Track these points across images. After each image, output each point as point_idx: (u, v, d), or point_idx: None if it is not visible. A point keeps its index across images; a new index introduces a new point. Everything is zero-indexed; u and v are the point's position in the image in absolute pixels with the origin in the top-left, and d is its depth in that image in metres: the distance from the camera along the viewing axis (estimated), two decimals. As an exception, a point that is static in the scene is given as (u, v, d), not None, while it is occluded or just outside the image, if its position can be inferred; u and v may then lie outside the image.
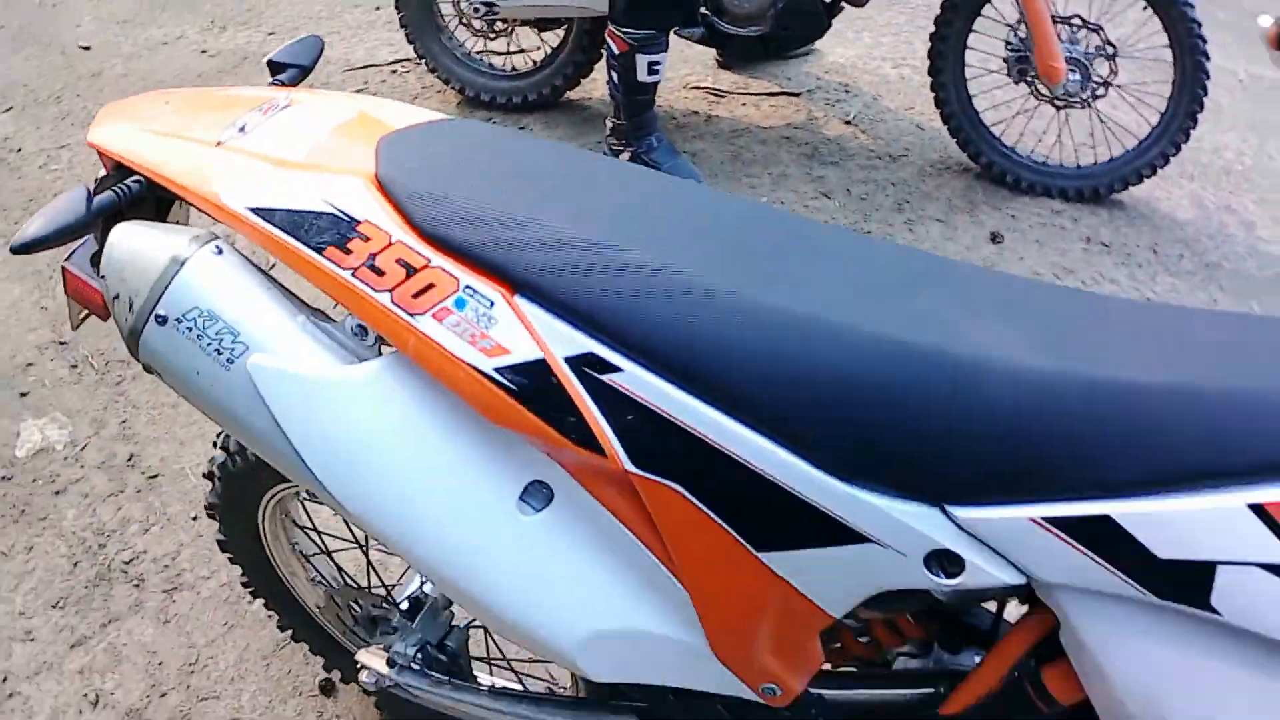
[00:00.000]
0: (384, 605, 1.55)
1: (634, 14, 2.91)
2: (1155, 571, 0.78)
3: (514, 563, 0.98)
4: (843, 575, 0.89)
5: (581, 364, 0.89)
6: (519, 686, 1.60)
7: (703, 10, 3.13)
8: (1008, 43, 3.01)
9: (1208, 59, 2.80)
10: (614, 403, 0.89)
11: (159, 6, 4.51)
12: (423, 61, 3.62)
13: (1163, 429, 0.77)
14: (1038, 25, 2.84)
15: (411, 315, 0.94)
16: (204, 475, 1.50)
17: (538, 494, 0.98)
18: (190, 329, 1.02)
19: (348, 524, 1.58)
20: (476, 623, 1.52)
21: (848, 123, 3.52)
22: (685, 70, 3.81)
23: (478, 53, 3.61)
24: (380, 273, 0.96)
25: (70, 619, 2.00)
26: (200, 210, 1.08)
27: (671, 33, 3.06)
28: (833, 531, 0.85)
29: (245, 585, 1.65)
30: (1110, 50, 2.91)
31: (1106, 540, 0.78)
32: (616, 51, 2.97)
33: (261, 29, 4.29)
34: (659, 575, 0.96)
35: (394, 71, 3.90)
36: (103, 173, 1.18)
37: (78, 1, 4.58)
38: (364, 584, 1.63)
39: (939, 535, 0.83)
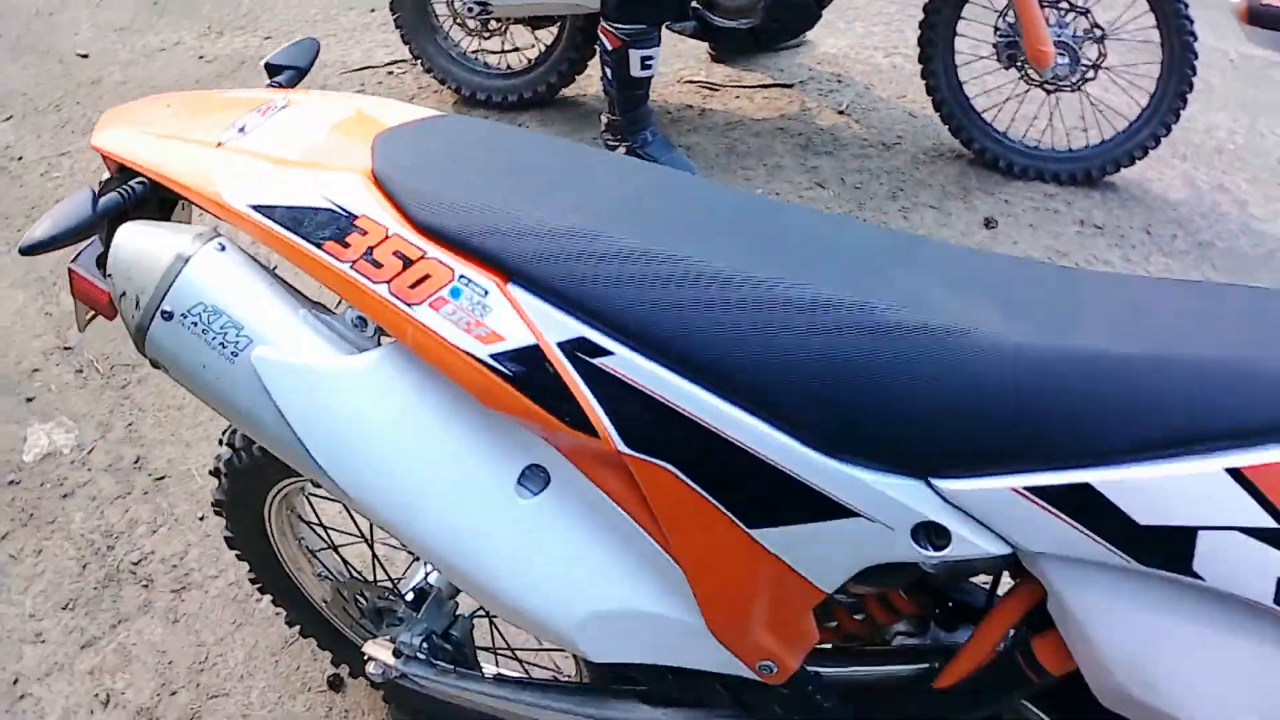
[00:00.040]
0: (389, 597, 1.57)
1: (626, 9, 2.92)
2: (1137, 538, 0.79)
3: (513, 545, 1.00)
4: (832, 550, 0.91)
5: (574, 348, 0.91)
6: (524, 675, 1.62)
7: (694, 4, 3.15)
8: (996, 28, 3.02)
9: (1195, 39, 2.81)
10: (606, 385, 0.91)
11: (156, 13, 4.52)
12: (419, 62, 3.64)
13: (1139, 397, 0.79)
14: (1025, 10, 2.85)
15: (409, 305, 0.96)
16: (210, 472, 1.52)
17: (535, 477, 1.00)
18: (195, 324, 1.04)
19: (353, 518, 1.60)
20: (481, 612, 1.55)
21: (841, 113, 3.53)
22: (679, 64, 3.82)
23: (473, 52, 3.63)
24: (378, 265, 0.98)
25: (80, 620, 2.02)
26: (203, 209, 1.10)
27: (663, 27, 3.07)
28: (821, 507, 0.87)
29: (253, 581, 1.67)
30: (1099, 33, 2.92)
31: (1088, 508, 0.80)
32: (609, 47, 2.99)
33: (258, 33, 4.30)
34: (654, 555, 0.98)
35: (390, 73, 3.91)
36: (106, 176, 1.20)
37: (75, 10, 4.60)
38: (370, 578, 1.65)
39: (925, 508, 0.85)
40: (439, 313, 0.95)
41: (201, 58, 4.14)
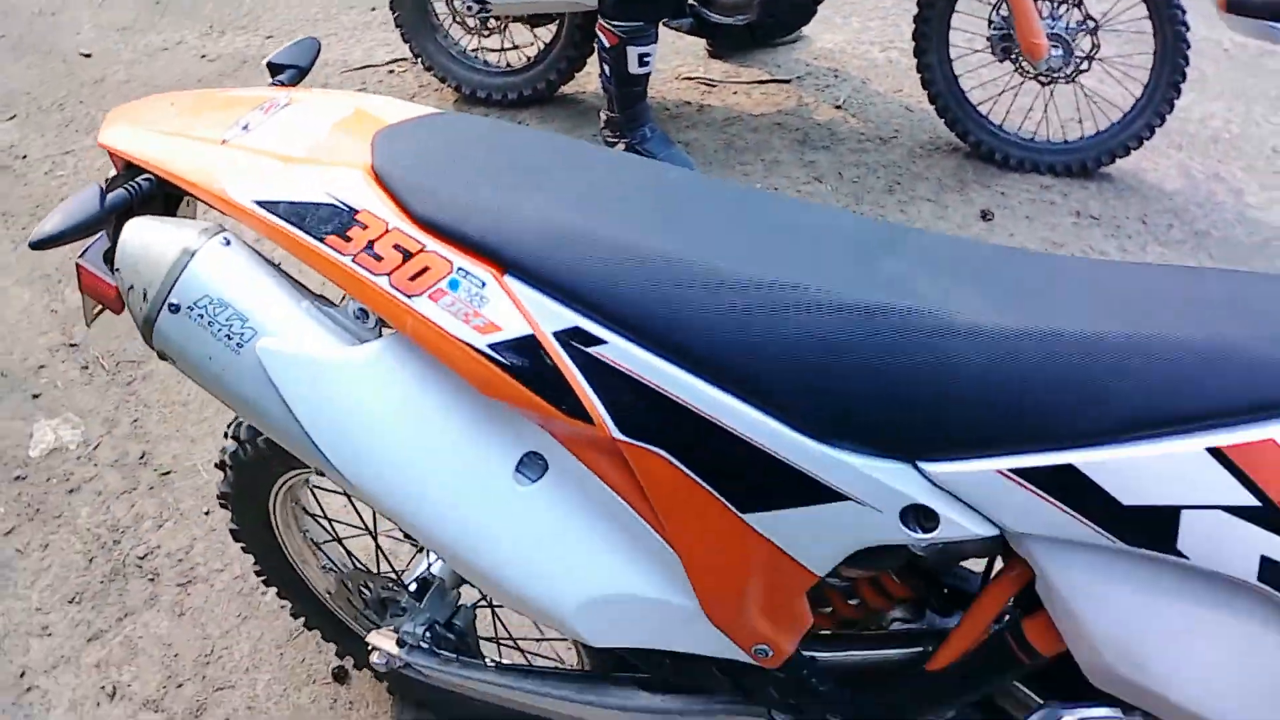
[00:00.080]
0: (393, 588, 1.58)
1: (623, 7, 2.94)
2: (1121, 518, 0.81)
3: (512, 532, 1.02)
4: (823, 533, 0.93)
5: (569, 338, 0.93)
6: (526, 664, 1.64)
7: (690, 1, 3.17)
8: (990, 21, 3.04)
9: (1187, 29, 2.82)
10: (600, 373, 0.93)
11: (158, 13, 4.53)
12: (419, 60, 3.65)
13: (1119, 379, 0.81)
14: (1018, 3, 2.87)
15: (409, 297, 0.98)
16: (216, 465, 1.54)
17: (533, 465, 1.02)
18: (201, 316, 1.06)
19: (357, 511, 1.62)
20: (483, 602, 1.56)
21: (838, 108, 3.54)
22: (677, 61, 3.83)
23: (472, 50, 3.64)
24: (378, 258, 1.00)
25: (86, 614, 2.03)
26: (208, 205, 1.12)
27: (660, 24, 3.09)
28: (811, 491, 0.89)
29: (258, 574, 1.69)
30: (1091, 25, 2.94)
31: (1072, 489, 0.82)
32: (607, 45, 3.00)
33: (259, 33, 4.31)
34: (651, 540, 1.00)
35: (391, 71, 3.92)
36: (113, 173, 1.22)
37: (77, 9, 4.61)
38: (374, 570, 1.66)
39: (912, 490, 0.87)
40: (438, 304, 0.97)
41: (204, 57, 4.15)
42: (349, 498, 1.57)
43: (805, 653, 1.10)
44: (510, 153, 1.11)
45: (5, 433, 2.47)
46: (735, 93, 3.66)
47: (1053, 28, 2.94)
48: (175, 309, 1.07)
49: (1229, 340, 0.81)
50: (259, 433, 1.40)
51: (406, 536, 1.53)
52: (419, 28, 3.59)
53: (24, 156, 3.58)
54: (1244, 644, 0.83)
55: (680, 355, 0.90)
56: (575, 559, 1.02)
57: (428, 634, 1.38)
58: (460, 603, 1.47)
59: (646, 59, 3.02)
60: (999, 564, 1.01)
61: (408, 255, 1.00)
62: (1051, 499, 0.83)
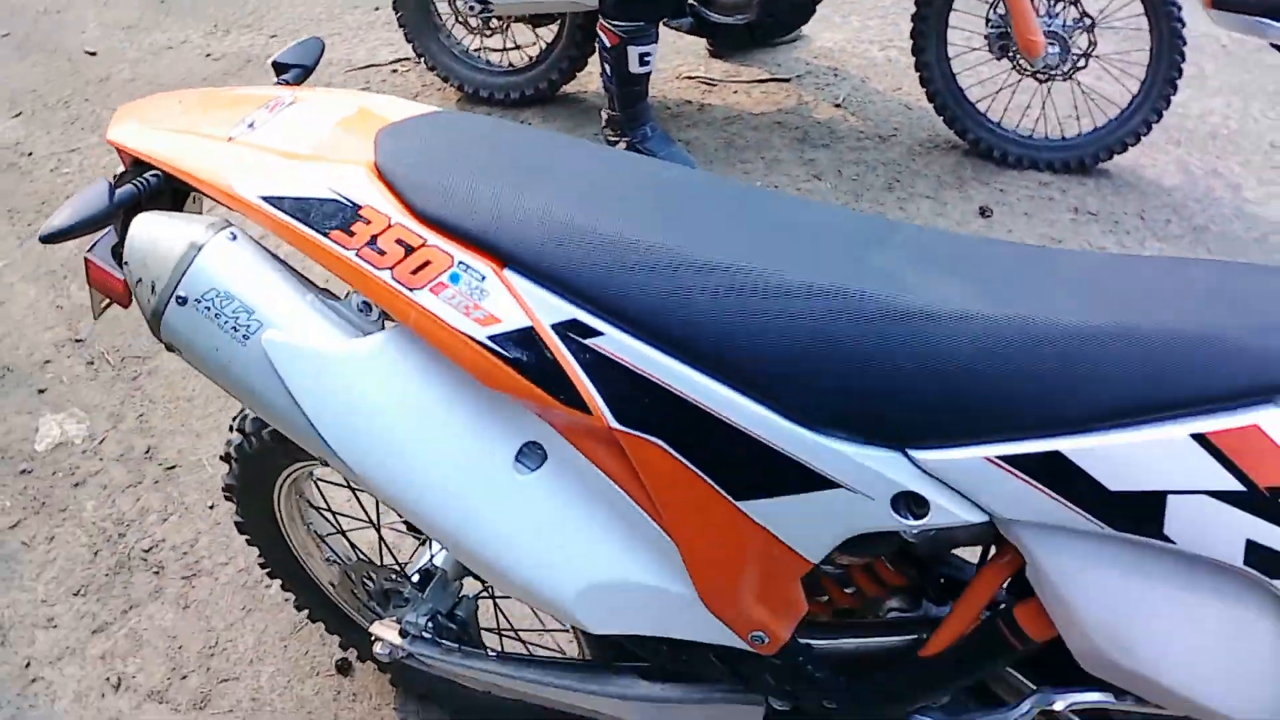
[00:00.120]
0: (396, 579, 1.60)
1: (623, 7, 2.95)
2: (1108, 504, 0.83)
3: (512, 520, 1.04)
4: (816, 520, 0.94)
5: (566, 330, 0.95)
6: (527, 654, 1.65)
7: (690, 1, 3.18)
8: (988, 20, 3.04)
9: (1182, 25, 2.83)
10: (597, 364, 0.95)
11: (162, 11, 4.54)
12: (422, 60, 3.67)
13: (1105, 367, 0.83)
14: (1015, 1, 2.87)
15: (411, 290, 1.00)
16: (221, 458, 1.55)
17: (532, 454, 1.03)
18: (208, 308, 1.08)
19: (361, 504, 1.64)
20: (485, 594, 1.58)
21: (837, 106, 3.55)
22: (677, 61, 3.84)
23: (475, 50, 3.65)
24: (381, 252, 1.02)
25: (91, 606, 2.05)
26: (215, 200, 1.14)
27: (661, 24, 3.10)
28: (804, 478, 0.91)
29: (262, 566, 1.70)
30: (1088, 22, 2.94)
31: (1059, 475, 0.84)
32: (608, 44, 3.02)
33: (264, 32, 4.32)
34: (648, 528, 1.02)
35: (394, 71, 3.93)
36: (121, 169, 1.24)
37: (82, 8, 4.62)
38: (377, 562, 1.68)
39: (903, 478, 0.89)
40: (439, 297, 0.99)
41: (208, 56, 4.16)
42: (353, 491, 1.59)
43: (801, 640, 1.11)
44: (510, 150, 1.13)
45: (11, 427, 2.49)
46: (735, 92, 3.67)
47: (1050, 25, 2.94)
48: (183, 301, 1.09)
49: (1212, 329, 0.83)
50: (264, 426, 1.41)
51: (409, 528, 1.55)
52: (422, 28, 3.60)
53: (30, 154, 3.59)
54: (1231, 628, 0.85)
55: (675, 346, 0.92)
56: (574, 547, 1.04)
57: (430, 624, 1.40)
58: (462, 594, 1.49)
59: (647, 58, 3.03)
60: (993, 553, 1.02)
61: (410, 250, 1.02)
62: (1039, 485, 0.85)
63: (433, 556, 1.51)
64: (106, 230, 1.21)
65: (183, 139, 1.18)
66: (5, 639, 2.00)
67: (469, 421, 1.04)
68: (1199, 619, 0.86)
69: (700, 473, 0.96)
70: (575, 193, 1.03)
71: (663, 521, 1.01)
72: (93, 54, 4.22)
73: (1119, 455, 0.82)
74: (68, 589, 2.09)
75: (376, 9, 4.36)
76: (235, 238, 1.12)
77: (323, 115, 1.18)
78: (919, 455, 0.88)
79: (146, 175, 1.19)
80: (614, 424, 0.96)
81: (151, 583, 2.09)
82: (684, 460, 0.96)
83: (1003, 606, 1.02)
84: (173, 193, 1.23)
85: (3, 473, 2.37)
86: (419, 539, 1.65)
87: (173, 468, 2.35)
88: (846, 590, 1.16)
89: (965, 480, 0.87)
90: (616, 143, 3.20)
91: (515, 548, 1.05)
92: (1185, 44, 2.85)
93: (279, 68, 1.38)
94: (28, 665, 1.95)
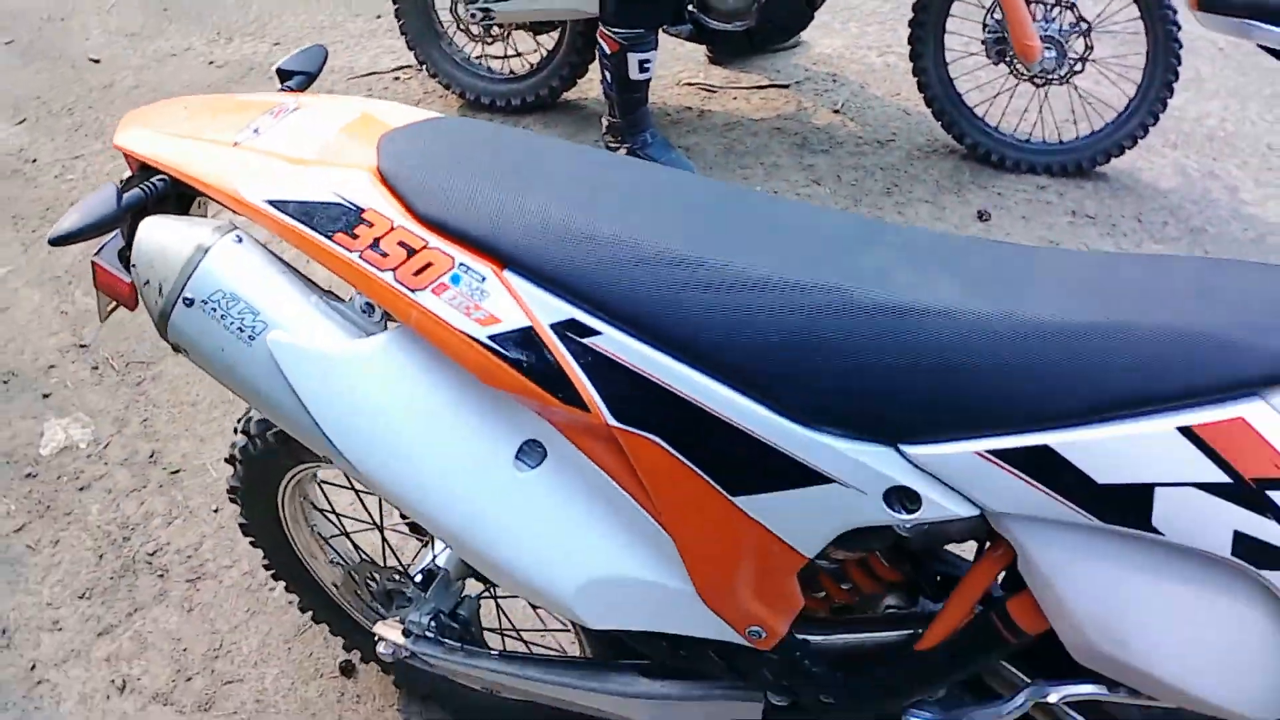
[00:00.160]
0: (399, 580, 1.61)
1: (623, 14, 2.97)
2: (1097, 496, 0.84)
3: (513, 517, 1.06)
4: (810, 515, 0.96)
5: (565, 329, 0.97)
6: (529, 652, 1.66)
7: (689, 8, 3.19)
8: (985, 24, 3.06)
9: (1178, 28, 2.84)
10: (595, 363, 0.97)
11: (166, 19, 4.55)
12: (424, 67, 3.69)
13: (1092, 362, 0.84)
14: (1011, 7, 2.89)
15: (413, 291, 1.02)
16: (226, 460, 1.56)
17: (532, 452, 1.05)
18: (215, 310, 1.10)
19: (364, 505, 1.65)
20: (487, 593, 1.59)
21: (836, 112, 3.57)
22: (678, 67, 3.86)
23: (476, 57, 3.67)
24: (384, 254, 1.04)
25: (97, 609, 2.06)
26: (221, 204, 1.16)
27: (660, 31, 3.12)
28: (798, 474, 0.93)
29: (266, 568, 1.71)
30: (1084, 26, 2.96)
31: (1048, 469, 0.85)
32: (608, 51, 3.04)
33: (266, 39, 4.33)
34: (646, 524, 1.03)
35: (396, 78, 3.95)
36: (128, 174, 1.25)
37: (85, 15, 4.63)
38: (380, 563, 1.69)
39: (895, 472, 0.90)
40: (440, 298, 1.01)
41: (211, 63, 4.17)
42: (356, 493, 1.60)
43: (799, 635, 1.13)
44: (509, 155, 1.15)
45: (16, 431, 2.50)
46: (735, 98, 3.69)
47: (1046, 30, 2.96)
48: (190, 303, 1.11)
49: (1197, 324, 0.84)
50: (268, 427, 1.43)
51: (412, 529, 1.56)
52: (424, 35, 3.62)
53: (34, 160, 3.61)
54: (1221, 618, 0.86)
55: (671, 345, 0.94)
56: (573, 543, 1.05)
57: (433, 623, 1.41)
58: (464, 593, 1.50)
59: (647, 65, 3.05)
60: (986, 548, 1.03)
61: (411, 251, 1.03)
62: (1029, 479, 0.86)
63: (435, 557, 1.52)
64: (113, 234, 1.22)
65: (189, 144, 1.20)
66: (11, 642, 2.01)
67: (470, 420, 1.05)
68: (1189, 610, 0.87)
69: (696, 469, 0.97)
70: (573, 196, 1.05)
71: (660, 517, 1.03)
72: (96, 61, 4.24)
73: (1106, 449, 0.84)
74: (73, 592, 2.10)
75: (378, 17, 4.37)
76: (241, 241, 1.14)
77: (326, 121, 1.20)
78: (910, 450, 0.89)
79: (153, 180, 1.21)
80: (612, 421, 0.97)
81: (156, 586, 2.10)
82: (680, 456, 0.97)
83: (996, 600, 1.03)
84: (178, 197, 1.24)
85: (8, 477, 2.38)
86: (422, 540, 1.66)
87: (177, 472, 2.36)
88: (843, 586, 1.17)
89: (956, 475, 0.89)
90: (617, 149, 3.21)
91: (515, 544, 1.06)
92: (1181, 47, 2.86)
93: (283, 74, 1.40)
94: (33, 668, 1.96)
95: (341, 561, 1.69)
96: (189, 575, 2.11)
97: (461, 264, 1.02)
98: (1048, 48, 2.97)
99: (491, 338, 0.99)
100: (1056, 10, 2.97)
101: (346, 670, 1.91)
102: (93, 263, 1.24)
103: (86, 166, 3.54)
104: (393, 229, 1.05)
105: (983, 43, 3.09)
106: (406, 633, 1.40)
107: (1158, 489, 0.83)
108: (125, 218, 1.16)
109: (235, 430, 1.51)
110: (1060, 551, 0.89)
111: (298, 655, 1.95)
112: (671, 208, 1.06)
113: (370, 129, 1.18)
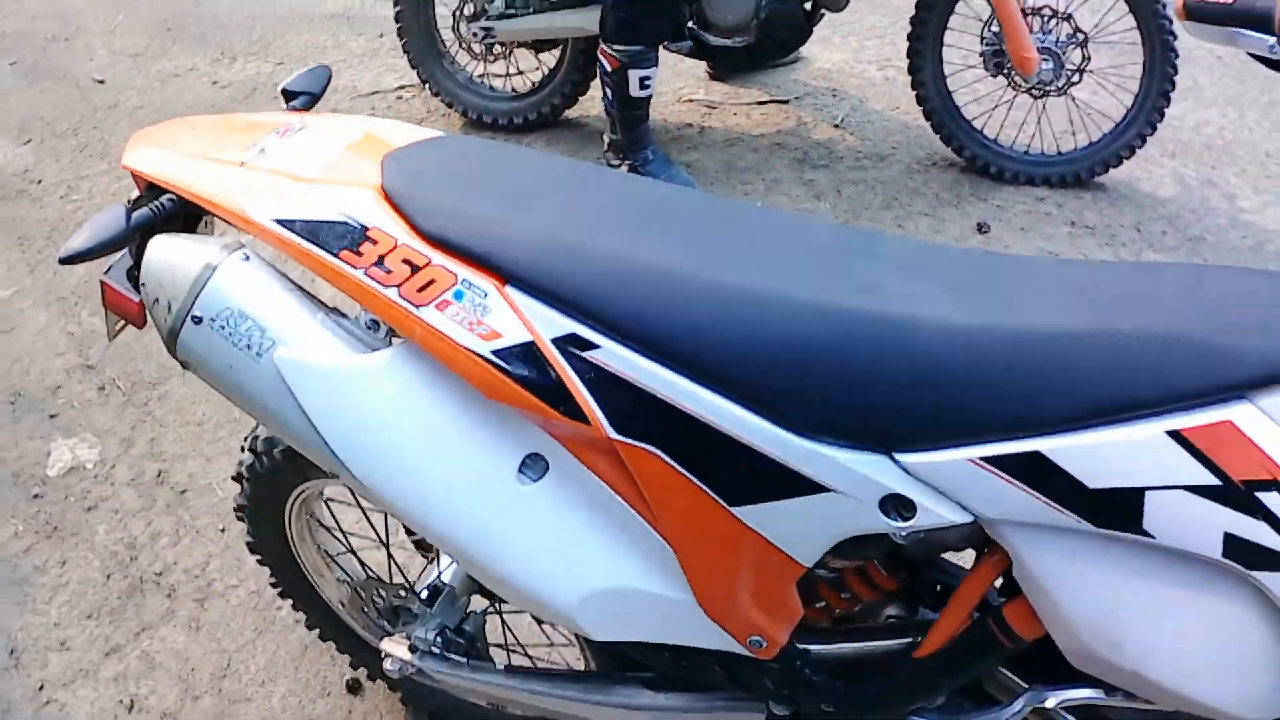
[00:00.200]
0: (405, 596, 1.60)
1: (623, 32, 3.00)
2: (1088, 501, 0.85)
3: (516, 529, 1.07)
4: (807, 523, 0.97)
5: (565, 343, 0.98)
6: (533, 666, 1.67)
7: (689, 25, 3.21)
8: (982, 37, 3.08)
9: (1175, 38, 2.86)
10: (595, 376, 0.98)
11: (170, 39, 4.58)
12: (426, 86, 3.71)
13: (1081, 369, 0.85)
14: (1008, 19, 2.91)
15: (417, 307, 1.03)
16: (233, 478, 1.57)
17: (535, 465, 1.06)
18: (223, 327, 1.11)
19: (370, 522, 1.66)
20: (492, 609, 1.60)
21: (836, 126, 3.59)
22: (678, 84, 3.88)
23: (478, 76, 3.70)
24: (388, 271, 1.05)
25: (104, 628, 2.06)
26: (228, 223, 1.17)
27: (660, 48, 3.14)
28: (795, 483, 0.94)
29: (274, 586, 1.72)
30: (1081, 37, 2.98)
31: (1040, 475, 0.86)
32: (609, 69, 3.06)
33: (270, 59, 4.35)
34: (647, 535, 1.05)
35: (399, 97, 3.97)
36: (135, 194, 1.27)
37: (90, 36, 4.66)
38: (386, 580, 1.69)
39: (889, 480, 0.91)
40: (444, 314, 1.02)
41: (215, 83, 4.20)
42: (362, 510, 1.61)
43: (799, 645, 1.13)
44: (511, 172, 1.17)
45: (24, 452, 2.51)
46: (735, 114, 3.70)
47: (1043, 42, 2.98)
48: (198, 321, 1.12)
49: (1185, 329, 0.85)
50: (275, 445, 1.44)
51: (417, 546, 1.57)
52: (426, 54, 3.65)
53: (39, 181, 3.62)
54: (1214, 620, 0.87)
55: (670, 358, 0.95)
56: (576, 555, 1.06)
57: (439, 639, 1.42)
58: (470, 609, 1.51)
59: (647, 82, 3.07)
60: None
61: (415, 268, 1.05)
62: (1021, 485, 0.87)
63: (440, 573, 1.52)
64: (122, 253, 1.24)
65: (196, 164, 1.21)
66: (19, 662, 2.01)
67: (473, 433, 1.07)
68: (1183, 613, 0.88)
69: (695, 480, 0.98)
70: (573, 212, 1.07)
71: (660, 528, 1.04)
72: (101, 81, 4.26)
73: (1097, 454, 0.85)
74: (80, 612, 2.10)
75: (381, 36, 4.40)
76: (248, 259, 1.15)
77: (331, 140, 1.22)
78: (904, 458, 0.90)
79: (161, 199, 1.22)
80: (612, 434, 0.99)
81: (163, 605, 2.10)
82: (679, 468, 0.98)
83: (993, 606, 1.04)
84: (186, 216, 1.26)
85: (15, 497, 2.38)
86: (427, 557, 1.67)
87: (184, 491, 2.37)
88: (842, 595, 1.18)
89: (950, 482, 0.90)
90: (618, 166, 3.23)
91: (519, 557, 1.07)
92: (1178, 56, 2.88)
93: (288, 94, 1.41)
94: (41, 688, 1.96)
95: (348, 579, 1.69)
96: (196, 594, 2.12)
97: (464, 280, 1.03)
98: (1045, 59, 2.98)
99: (494, 352, 1.00)
100: (1053, 22, 2.99)
101: (353, 688, 1.91)
102: (101, 282, 1.25)
103: (91, 187, 3.56)
104: (397, 246, 1.07)
105: (981, 55, 3.11)
106: (413, 649, 1.41)
107: (1148, 493, 0.84)
108: (134, 237, 1.17)
109: (242, 448, 1.51)
110: (1054, 556, 0.90)
111: (305, 674, 1.95)
112: (672, 223, 1.07)
113: (374, 148, 1.19)
